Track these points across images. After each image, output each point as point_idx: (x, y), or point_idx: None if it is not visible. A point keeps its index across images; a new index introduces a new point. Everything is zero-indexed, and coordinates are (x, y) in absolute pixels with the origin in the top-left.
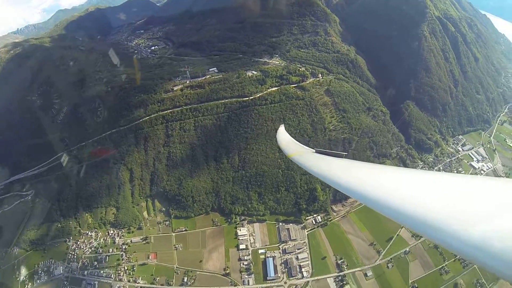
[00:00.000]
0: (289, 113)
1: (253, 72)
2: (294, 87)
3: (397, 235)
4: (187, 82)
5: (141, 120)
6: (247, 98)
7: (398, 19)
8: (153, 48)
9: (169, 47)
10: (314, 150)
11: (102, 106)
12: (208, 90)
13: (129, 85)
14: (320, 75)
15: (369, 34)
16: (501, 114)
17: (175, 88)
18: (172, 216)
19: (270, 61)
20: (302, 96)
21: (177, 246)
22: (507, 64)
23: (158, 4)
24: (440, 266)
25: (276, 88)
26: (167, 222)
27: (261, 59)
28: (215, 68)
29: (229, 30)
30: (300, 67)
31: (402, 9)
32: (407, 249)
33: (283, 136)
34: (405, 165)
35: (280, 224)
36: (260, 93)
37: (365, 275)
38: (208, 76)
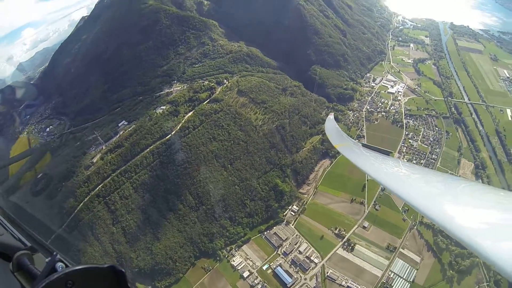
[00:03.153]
0: (216, 129)
1: (162, 108)
2: (207, 103)
3: (367, 180)
4: (103, 147)
5: (76, 211)
6: (169, 136)
7: (273, 3)
8: (48, 129)
9: (65, 120)
10: (360, 144)
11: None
12: (129, 146)
13: (46, 182)
14: (225, 80)
15: (251, 22)
16: (389, 41)
17: (94, 160)
18: None
19: (172, 89)
20: (219, 108)
21: None
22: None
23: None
24: None
25: (192, 112)
26: None
27: (163, 92)
28: (124, 121)
29: (117, 78)
30: (203, 82)
31: None
32: (382, 187)
33: (331, 126)
34: (338, 121)
35: (266, 233)
36: (179, 124)
37: (364, 227)
38: (122, 132)
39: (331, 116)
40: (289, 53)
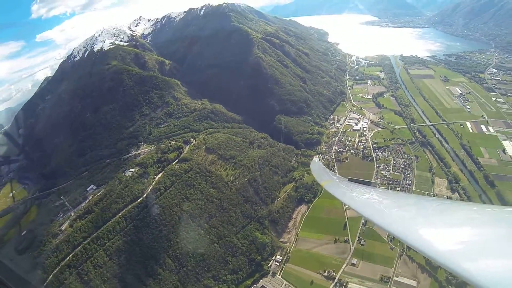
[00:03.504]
0: (188, 189)
1: (131, 170)
2: (177, 163)
3: (347, 218)
4: (72, 214)
5: (45, 284)
6: (141, 199)
7: (232, 56)
8: (11, 195)
9: (30, 185)
10: (347, 179)
11: None
12: (99, 211)
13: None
14: (192, 139)
15: (213, 79)
16: (347, 81)
17: (63, 228)
18: None
19: (140, 151)
20: (189, 168)
21: None
22: (326, 44)
23: None
24: None
25: (162, 173)
26: None
27: (130, 154)
28: (92, 185)
29: (83, 140)
30: (170, 142)
31: (231, 45)
32: (364, 221)
33: (316, 166)
34: (309, 166)
35: (253, 287)
36: (150, 186)
37: (353, 264)
38: (91, 197)
39: (315, 159)
40: (253, 105)
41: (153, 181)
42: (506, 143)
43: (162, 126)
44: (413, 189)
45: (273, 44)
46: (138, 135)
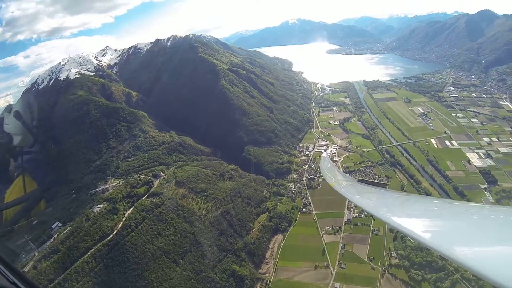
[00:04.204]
0: (160, 225)
1: (99, 206)
2: (147, 198)
3: (325, 243)
4: (36, 254)
5: None
6: (111, 236)
7: (199, 87)
8: None
9: None
10: (356, 180)
11: None
12: (66, 251)
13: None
14: (161, 173)
15: (180, 111)
16: (313, 109)
17: (26, 269)
18: None
19: (107, 186)
20: (160, 202)
21: None
22: (290, 74)
23: None
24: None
25: (132, 209)
26: None
27: (98, 189)
28: (58, 222)
29: (47, 174)
30: (139, 176)
31: (198, 76)
32: (342, 245)
33: (326, 165)
34: (281, 195)
35: None
36: (120, 223)
37: None
38: (56, 235)
39: (325, 155)
40: (221, 137)
41: (123, 217)
42: (470, 155)
43: (130, 159)
44: None
45: (239, 75)
46: (106, 169)
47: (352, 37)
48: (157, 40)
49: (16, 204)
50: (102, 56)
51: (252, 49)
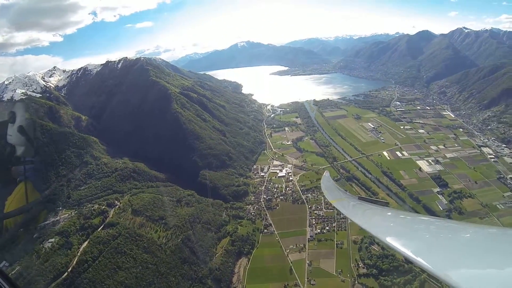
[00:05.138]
0: (119, 257)
1: (50, 241)
2: (102, 229)
3: (291, 262)
4: None
5: None
6: (66, 274)
7: (151, 111)
8: None
9: None
10: (357, 197)
11: None
12: None
13: None
14: (116, 201)
15: (132, 136)
16: (265, 131)
17: None
18: None
19: (58, 217)
20: (117, 233)
21: None
22: (241, 96)
23: None
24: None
25: (87, 242)
26: None
27: (48, 221)
28: (4, 262)
29: None
30: (93, 206)
31: (150, 100)
32: (308, 262)
33: (326, 183)
34: (241, 218)
35: None
36: (75, 258)
37: None
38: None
39: (326, 174)
40: (175, 162)
41: (78, 252)
42: (420, 162)
43: (82, 188)
44: (348, 221)
45: (191, 99)
46: (55, 199)
47: (300, 58)
48: (108, 62)
49: (17, 214)
50: (50, 76)
51: (202, 72)
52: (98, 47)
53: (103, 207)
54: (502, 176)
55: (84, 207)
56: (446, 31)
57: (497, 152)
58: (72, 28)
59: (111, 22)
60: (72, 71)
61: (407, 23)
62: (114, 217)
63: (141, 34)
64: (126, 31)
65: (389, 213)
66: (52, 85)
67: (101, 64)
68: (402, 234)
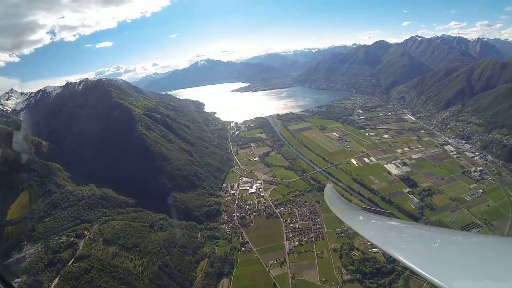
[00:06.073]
0: None
1: (16, 281)
2: (73, 263)
3: (273, 277)
4: None
5: None
6: None
7: (116, 134)
8: None
9: None
10: (360, 208)
11: None
12: None
13: None
14: (86, 232)
15: (97, 161)
16: (231, 148)
17: None
18: None
19: (24, 253)
20: (89, 266)
21: None
22: (204, 115)
23: None
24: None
25: (58, 278)
26: None
27: (12, 259)
28: None
29: None
30: (61, 238)
31: (114, 122)
32: (291, 275)
33: (330, 193)
34: (217, 238)
35: None
36: None
37: None
38: None
39: (329, 185)
40: (144, 185)
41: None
42: (388, 166)
43: (47, 219)
44: (325, 230)
45: (155, 120)
46: (19, 233)
47: (261, 74)
48: (68, 84)
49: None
50: (7, 100)
51: (164, 92)
52: (57, 68)
53: (72, 238)
54: (466, 170)
55: (51, 240)
56: (400, 40)
57: (458, 148)
58: (30, 48)
59: (70, 42)
60: (31, 93)
61: (364, 35)
62: (84, 249)
63: (101, 54)
64: (85, 51)
65: (393, 224)
66: (9, 109)
67: (61, 86)
68: (406, 246)
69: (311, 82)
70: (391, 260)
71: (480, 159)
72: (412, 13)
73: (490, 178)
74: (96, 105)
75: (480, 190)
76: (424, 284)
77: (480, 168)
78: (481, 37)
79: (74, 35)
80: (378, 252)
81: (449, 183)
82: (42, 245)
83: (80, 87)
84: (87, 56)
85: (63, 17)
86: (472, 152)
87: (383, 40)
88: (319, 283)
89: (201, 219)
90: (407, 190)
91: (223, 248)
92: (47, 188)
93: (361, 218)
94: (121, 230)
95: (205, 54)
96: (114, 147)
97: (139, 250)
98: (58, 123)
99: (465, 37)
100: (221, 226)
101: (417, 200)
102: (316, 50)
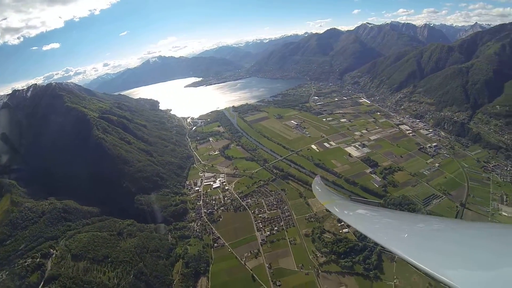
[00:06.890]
0: None
1: None
2: (43, 285)
3: (251, 270)
4: None
5: None
6: None
7: (71, 140)
8: None
9: None
10: (349, 199)
11: None
12: None
13: None
14: (52, 250)
15: (55, 171)
16: (190, 144)
17: None
18: None
19: None
20: (62, 286)
21: None
22: (159, 113)
23: None
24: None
25: None
26: None
27: None
28: None
29: None
30: (26, 261)
31: (68, 128)
32: (268, 265)
33: (318, 185)
34: (188, 237)
35: None
36: None
37: None
38: None
39: (317, 178)
40: (107, 192)
41: None
42: (348, 149)
43: (8, 242)
44: (295, 217)
45: (111, 122)
46: None
47: (213, 67)
48: (15, 92)
49: None
50: None
51: (117, 93)
52: (1, 74)
53: (38, 259)
54: (422, 146)
55: (16, 265)
56: (352, 28)
57: (413, 127)
58: None
59: (14, 45)
60: None
61: (315, 23)
62: (53, 269)
63: (48, 57)
64: (31, 55)
65: (381, 213)
66: None
67: (8, 94)
68: (394, 234)
69: (264, 72)
70: (362, 238)
71: (434, 136)
72: (361, 1)
73: (444, 153)
74: (48, 112)
75: (436, 164)
76: (396, 257)
77: (435, 144)
78: (428, 23)
79: (19, 38)
80: (349, 231)
81: (407, 160)
82: (7, 272)
83: (28, 94)
84: (33, 59)
85: (5, 19)
86: (426, 129)
87: (334, 28)
88: (296, 269)
89: (169, 220)
90: (369, 170)
91: (195, 247)
92: (3, 209)
93: (349, 208)
94: (89, 242)
95: (156, 51)
96: (71, 154)
97: (111, 261)
98: (7, 135)
99: (413, 23)
100: (190, 224)
101: (380, 179)
102: (268, 40)
